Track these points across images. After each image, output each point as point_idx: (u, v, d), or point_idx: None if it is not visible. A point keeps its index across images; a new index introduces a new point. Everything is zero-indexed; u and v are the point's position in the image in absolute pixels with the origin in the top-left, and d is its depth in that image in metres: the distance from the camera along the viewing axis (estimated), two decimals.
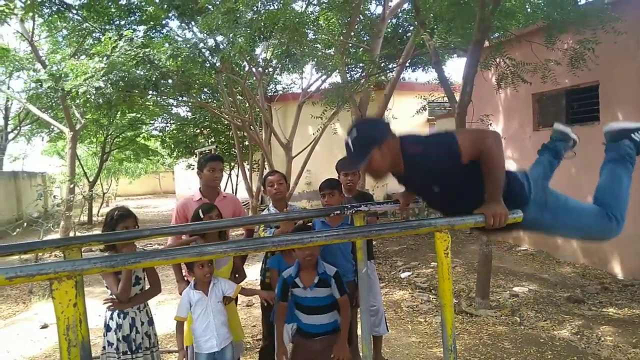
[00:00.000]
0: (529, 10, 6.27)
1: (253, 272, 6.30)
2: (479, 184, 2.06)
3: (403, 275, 6.95)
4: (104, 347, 2.94)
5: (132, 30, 9.51)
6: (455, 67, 65.50)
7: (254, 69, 10.61)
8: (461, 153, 2.05)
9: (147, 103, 11.81)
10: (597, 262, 6.69)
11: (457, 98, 5.51)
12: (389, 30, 10.18)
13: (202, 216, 3.10)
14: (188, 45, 8.42)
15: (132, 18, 10.34)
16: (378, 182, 2.18)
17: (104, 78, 7.73)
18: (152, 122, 16.83)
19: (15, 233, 8.52)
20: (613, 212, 2.29)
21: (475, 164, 2.08)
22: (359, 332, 3.17)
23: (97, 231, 12.88)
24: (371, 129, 2.19)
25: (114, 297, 2.90)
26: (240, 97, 12.53)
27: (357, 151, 2.11)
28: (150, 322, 3.05)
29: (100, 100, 8.00)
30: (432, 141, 2.23)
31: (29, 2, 8.25)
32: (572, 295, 5.56)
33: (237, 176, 16.14)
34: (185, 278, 3.43)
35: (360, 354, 3.01)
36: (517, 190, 2.22)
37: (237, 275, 3.49)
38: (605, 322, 4.75)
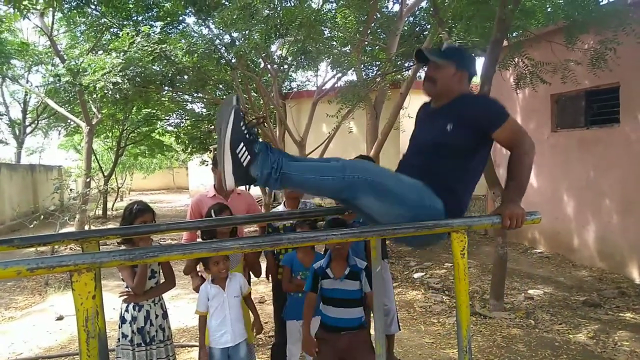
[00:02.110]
0: (549, 9, 6.18)
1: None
2: (458, 172, 2.08)
3: (416, 275, 6.91)
4: (118, 339, 2.97)
5: (149, 26, 9.59)
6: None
7: (269, 66, 10.62)
8: (502, 126, 2.05)
9: (163, 99, 11.91)
10: (615, 266, 6.58)
11: None
12: (406, 28, 10.09)
13: (214, 217, 3.12)
14: (204, 42, 8.45)
15: (150, 14, 10.45)
16: (425, 90, 2.28)
17: (121, 73, 7.82)
18: (167, 117, 16.94)
19: (32, 226, 8.64)
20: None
21: (481, 158, 2.14)
22: (371, 331, 3.15)
23: (111, 225, 13.03)
24: (467, 55, 2.33)
25: (130, 289, 2.94)
26: (255, 94, 12.56)
27: (440, 53, 2.22)
28: (165, 315, 3.07)
29: (117, 95, 8.09)
30: (492, 99, 2.30)
31: None
32: (589, 299, 5.47)
33: None
34: (200, 274, 3.44)
35: None
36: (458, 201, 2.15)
37: (250, 272, 3.51)
38: (622, 327, 4.67)
